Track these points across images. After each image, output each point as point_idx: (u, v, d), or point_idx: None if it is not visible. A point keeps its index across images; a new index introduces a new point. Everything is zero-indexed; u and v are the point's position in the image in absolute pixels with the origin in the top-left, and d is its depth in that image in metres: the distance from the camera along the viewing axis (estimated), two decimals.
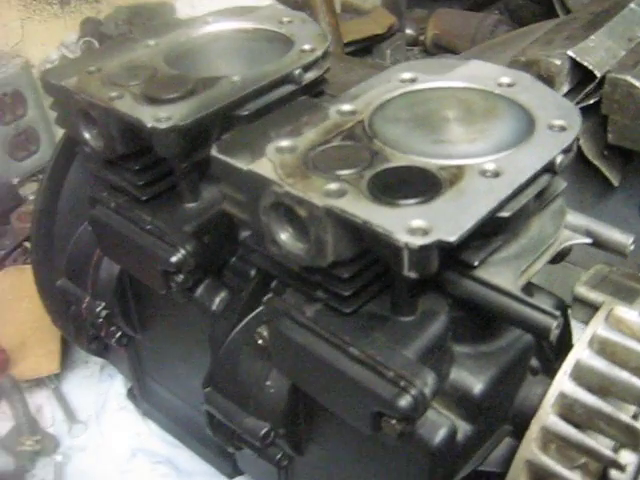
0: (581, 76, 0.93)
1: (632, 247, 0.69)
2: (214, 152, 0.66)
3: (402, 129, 0.66)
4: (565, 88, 0.93)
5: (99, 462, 1.02)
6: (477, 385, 0.67)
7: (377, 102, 0.70)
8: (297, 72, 0.79)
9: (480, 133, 0.64)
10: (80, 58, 0.85)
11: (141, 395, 1.04)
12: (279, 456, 0.78)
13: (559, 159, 0.61)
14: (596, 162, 0.95)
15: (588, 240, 0.70)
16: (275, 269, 0.69)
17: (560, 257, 0.73)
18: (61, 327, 1.02)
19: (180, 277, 0.77)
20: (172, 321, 0.91)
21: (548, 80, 0.91)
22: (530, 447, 0.60)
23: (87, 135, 0.78)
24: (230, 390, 0.77)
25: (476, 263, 0.62)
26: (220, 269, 0.82)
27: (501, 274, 0.63)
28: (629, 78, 0.85)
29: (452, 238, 0.53)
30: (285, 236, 0.62)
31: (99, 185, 0.83)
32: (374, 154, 0.63)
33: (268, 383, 0.73)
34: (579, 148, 0.97)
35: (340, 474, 0.78)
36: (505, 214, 0.58)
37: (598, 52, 0.92)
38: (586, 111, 0.94)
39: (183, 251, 0.76)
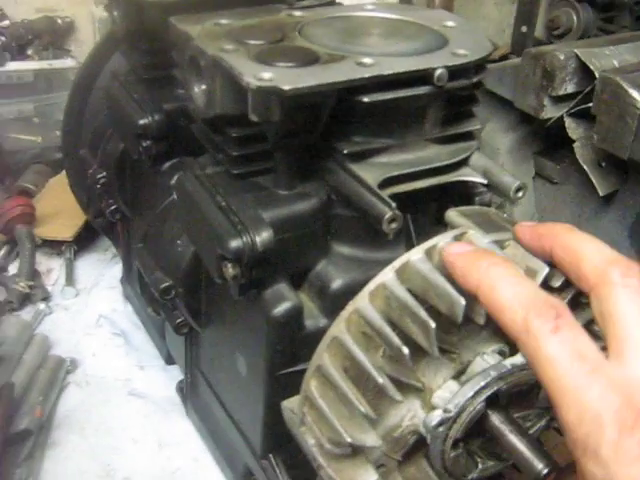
0: (591, 82, 0.94)
1: (520, 194, 0.70)
2: (172, 19, 0.76)
3: (326, 31, 0.73)
4: (570, 88, 0.94)
5: (72, 322, 1.15)
6: (337, 281, 0.72)
7: (326, 15, 0.77)
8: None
9: (387, 45, 0.70)
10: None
11: (126, 278, 1.16)
12: (180, 320, 0.86)
13: (438, 72, 0.65)
14: (586, 167, 0.95)
15: (483, 180, 0.72)
16: (199, 135, 0.78)
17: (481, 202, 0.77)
18: (77, 197, 1.15)
19: (147, 142, 0.88)
20: (153, 204, 1.01)
21: (550, 74, 0.94)
22: (339, 325, 0.64)
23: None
24: (153, 247, 0.86)
25: (345, 151, 0.67)
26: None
27: (370, 172, 0.68)
28: (618, 79, 0.86)
29: (286, 87, 0.59)
30: (196, 89, 0.70)
31: None
32: (286, 38, 0.70)
33: (179, 242, 0.81)
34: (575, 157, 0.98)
35: (225, 352, 0.84)
36: (365, 99, 0.63)
37: (609, 60, 0.93)
38: (588, 117, 0.96)
39: (150, 118, 0.86)
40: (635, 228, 0.98)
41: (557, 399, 0.45)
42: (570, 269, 0.52)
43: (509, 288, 0.50)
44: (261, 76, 0.60)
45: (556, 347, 0.46)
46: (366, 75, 0.62)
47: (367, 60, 0.64)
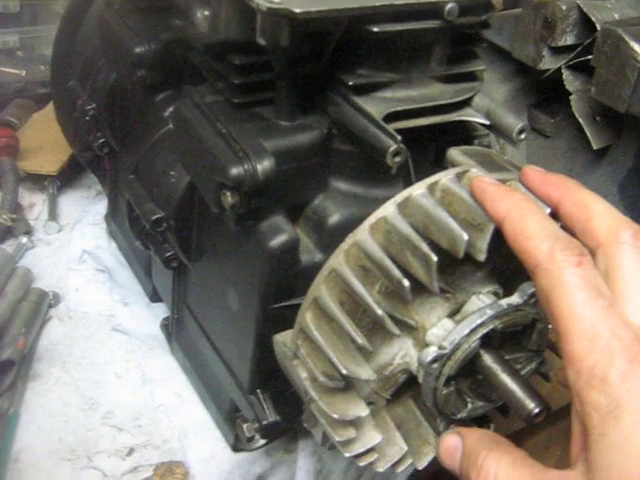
0: (591, 35, 0.93)
1: (522, 136, 0.70)
2: None
3: None
4: (569, 39, 0.94)
5: (55, 256, 1.13)
6: (334, 216, 0.71)
7: None
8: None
9: None
10: None
11: (111, 214, 1.14)
12: (169, 254, 0.85)
13: (449, 6, 0.64)
14: (582, 120, 0.95)
15: (485, 121, 0.72)
16: (199, 63, 0.76)
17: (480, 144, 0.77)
18: (64, 130, 1.13)
19: (142, 71, 0.85)
20: (145, 135, 0.99)
21: (551, 24, 0.93)
22: (338, 258, 0.63)
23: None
24: (145, 178, 0.85)
25: (350, 83, 0.66)
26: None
27: (374, 105, 0.67)
28: (620, 31, 0.85)
29: (297, 10, 0.57)
30: (199, 14, 0.69)
31: None
32: None
33: (172, 172, 0.80)
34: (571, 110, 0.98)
35: (216, 286, 0.83)
36: (374, 29, 0.62)
37: (610, 13, 0.93)
38: (586, 70, 0.95)
39: (147, 46, 0.84)
40: (625, 184, 0.98)
41: (569, 327, 0.46)
42: (578, 223, 0.54)
43: (538, 220, 0.53)
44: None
45: (578, 278, 0.47)
46: (377, 4, 0.61)
47: None
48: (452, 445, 0.62)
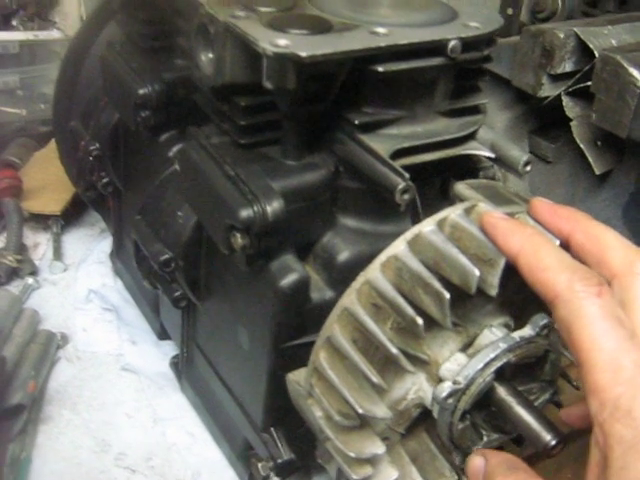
0: (589, 61, 0.94)
1: (528, 168, 0.71)
2: None
3: (336, 0, 0.72)
4: (568, 67, 0.95)
5: (61, 296, 1.13)
6: (344, 253, 0.71)
7: None
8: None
9: (398, 16, 0.69)
10: None
11: (116, 253, 1.14)
12: (178, 293, 0.85)
13: (452, 43, 0.64)
14: (583, 146, 0.96)
15: (491, 154, 0.72)
16: (204, 105, 0.77)
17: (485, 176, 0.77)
18: (67, 170, 1.13)
19: (146, 112, 0.86)
20: (150, 175, 0.99)
21: (549, 52, 0.94)
22: (350, 297, 0.63)
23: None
24: (152, 219, 0.85)
25: (356, 121, 0.67)
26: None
27: (380, 143, 0.67)
28: (618, 57, 0.86)
29: (303, 54, 0.58)
30: (203, 57, 0.69)
31: None
32: (296, 6, 0.69)
33: (179, 213, 0.80)
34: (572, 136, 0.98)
35: (225, 325, 0.83)
36: (379, 68, 0.63)
37: (607, 39, 0.93)
38: (585, 96, 0.96)
39: (150, 87, 0.85)
40: (628, 208, 0.99)
41: (592, 358, 0.46)
42: (590, 255, 0.54)
43: (553, 253, 0.53)
44: (277, 42, 0.59)
45: (598, 308, 0.47)
46: (382, 44, 0.61)
47: (381, 30, 0.64)
48: (476, 466, 0.62)
